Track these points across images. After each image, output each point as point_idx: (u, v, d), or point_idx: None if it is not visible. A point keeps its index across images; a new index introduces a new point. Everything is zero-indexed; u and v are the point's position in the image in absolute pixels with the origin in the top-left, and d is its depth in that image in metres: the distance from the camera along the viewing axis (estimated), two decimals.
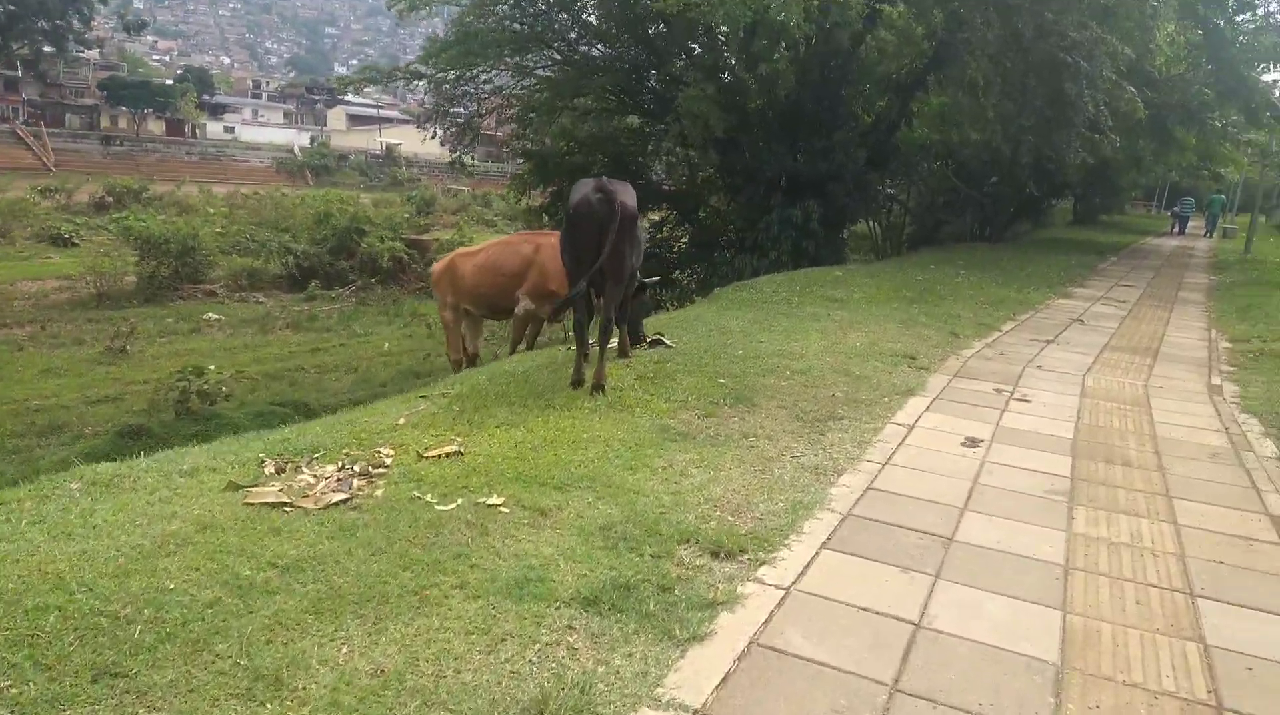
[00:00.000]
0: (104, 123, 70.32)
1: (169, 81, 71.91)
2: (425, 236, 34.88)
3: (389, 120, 78.29)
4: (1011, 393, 7.10)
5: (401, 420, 5.18)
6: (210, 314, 26.72)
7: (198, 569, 3.27)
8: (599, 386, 5.92)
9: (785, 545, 3.88)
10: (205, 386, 14.51)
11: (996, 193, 24.29)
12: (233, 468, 4.35)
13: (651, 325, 8.22)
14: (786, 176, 16.49)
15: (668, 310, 12.82)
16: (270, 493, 3.90)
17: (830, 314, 9.69)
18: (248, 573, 3.25)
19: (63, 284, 29.47)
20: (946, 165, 23.03)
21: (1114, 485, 5.05)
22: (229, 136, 76.50)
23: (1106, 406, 6.88)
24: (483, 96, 19.09)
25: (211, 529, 3.60)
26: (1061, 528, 4.36)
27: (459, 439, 4.83)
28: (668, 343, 7.55)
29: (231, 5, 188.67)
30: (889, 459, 5.19)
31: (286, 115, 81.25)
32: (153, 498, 3.95)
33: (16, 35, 59.89)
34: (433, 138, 19.67)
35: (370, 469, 4.27)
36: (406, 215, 47.15)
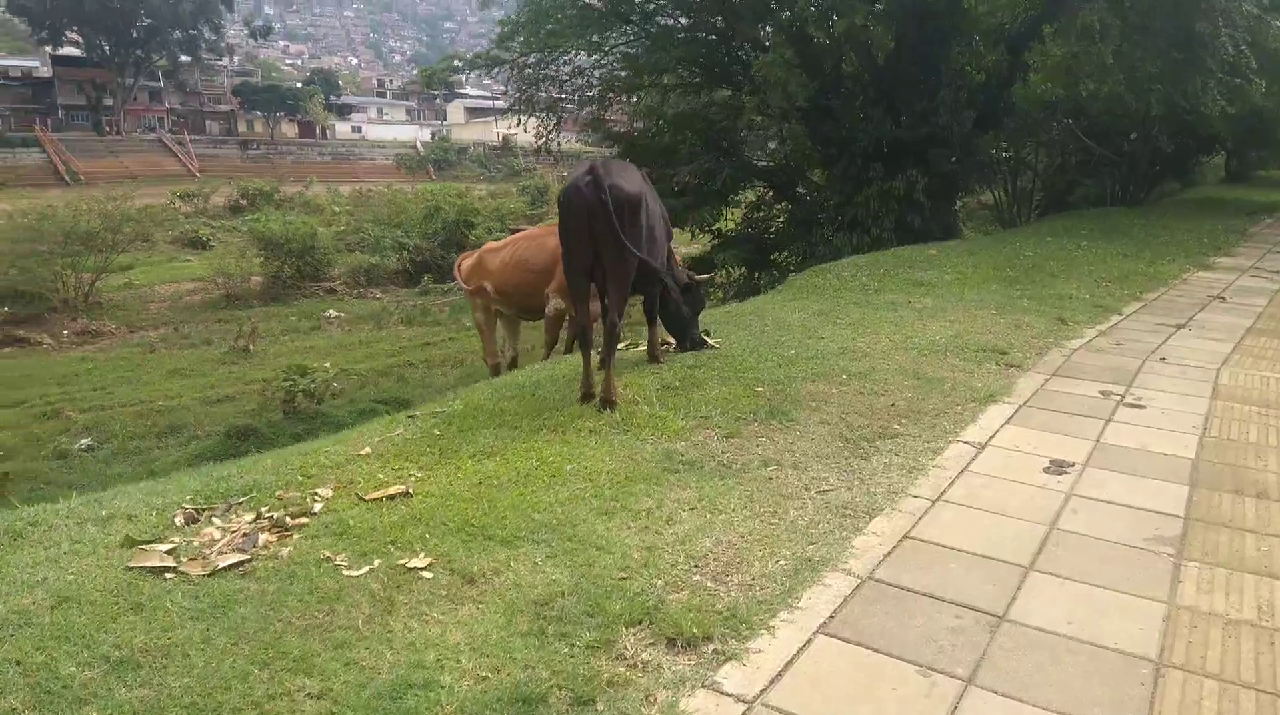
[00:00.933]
0: (240, 128, 74.24)
1: (298, 84, 75.22)
2: (527, 226, 34.86)
3: (504, 111, 79.48)
4: (1122, 397, 5.84)
5: (366, 450, 4.54)
6: (330, 311, 27.46)
7: (17, 663, 2.70)
8: (608, 402, 5.13)
9: (769, 628, 3.00)
10: (311, 386, 14.58)
11: (1134, 151, 21.82)
12: (153, 514, 3.82)
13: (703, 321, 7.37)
14: (886, 144, 15.10)
15: (723, 301, 11.83)
16: (157, 554, 3.32)
17: (912, 301, 8.51)
18: (70, 671, 2.65)
19: (196, 286, 30.97)
20: (1076, 123, 20.81)
21: (1242, 528, 3.88)
22: (356, 136, 79.37)
23: (1243, 413, 5.55)
24: (564, 78, 18.46)
25: (68, 604, 3.04)
26: (1162, 597, 3.28)
27: (413, 476, 4.14)
28: (711, 343, 6.67)
29: (355, 6, 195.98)
30: (942, 493, 4.17)
31: (409, 112, 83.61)
32: (43, 556, 3.45)
33: (155, 47, 63.75)
34: (517, 125, 19.22)
35: (290, 519, 3.64)
36: (520, 205, 47.58)
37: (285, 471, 4.23)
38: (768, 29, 16.05)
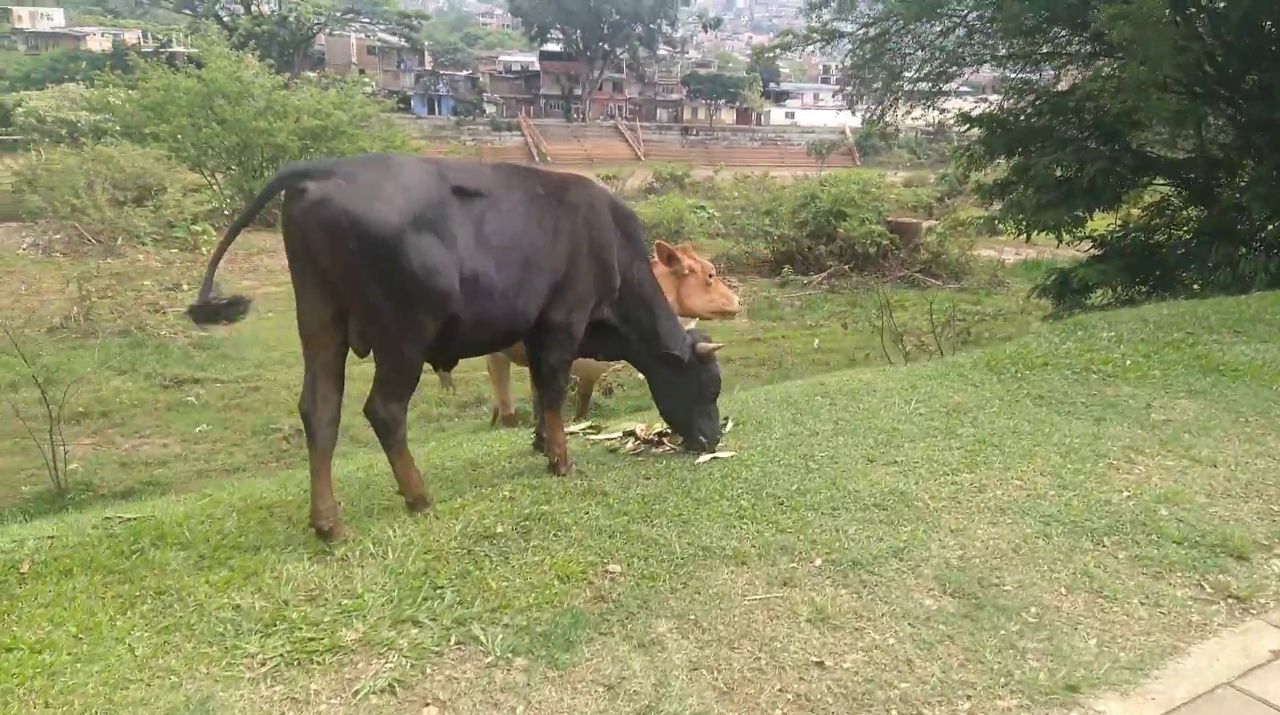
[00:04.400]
0: (685, 115, 78.77)
1: (743, 73, 77.46)
2: (913, 219, 31.34)
3: (945, 93, 73.73)
4: None
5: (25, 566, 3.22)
6: None
7: None
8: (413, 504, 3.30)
9: None
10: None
11: None
12: None
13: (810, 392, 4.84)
14: None
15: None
16: None
17: (1203, 415, 4.87)
18: None
19: None
20: None
21: None
22: (789, 122, 79.68)
23: None
24: (907, 51, 15.43)
25: None
26: None
27: None
28: (717, 450, 4.26)
29: None
30: None
31: (846, 97, 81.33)
32: None
33: (620, 40, 69.93)
34: (849, 107, 16.64)
35: None
36: (938, 196, 43.38)
37: None
38: None
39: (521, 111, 71.89)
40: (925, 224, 30.00)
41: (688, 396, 4.24)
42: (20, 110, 35.93)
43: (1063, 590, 3.15)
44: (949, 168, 50.17)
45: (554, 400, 4.01)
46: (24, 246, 21.41)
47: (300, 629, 2.72)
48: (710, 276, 5.57)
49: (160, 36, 60.93)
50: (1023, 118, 14.80)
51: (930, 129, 71.01)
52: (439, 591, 2.97)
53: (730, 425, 4.67)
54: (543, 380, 3.99)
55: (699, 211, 35.33)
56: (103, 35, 65.71)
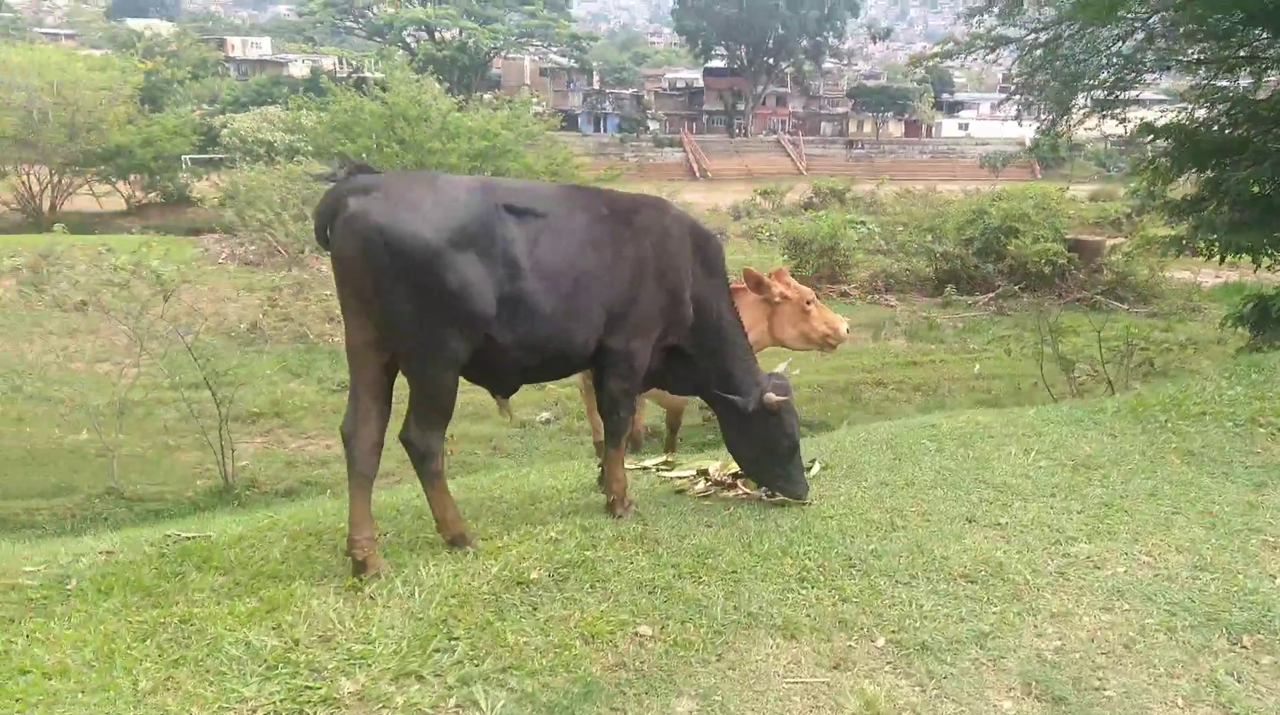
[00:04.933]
0: (851, 128, 76.76)
1: (912, 84, 74.72)
2: (1095, 237, 29.02)
3: (1139, 101, 68.30)
4: None
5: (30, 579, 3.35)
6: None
7: None
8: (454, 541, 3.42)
9: None
10: None
11: None
12: None
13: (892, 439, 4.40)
14: None
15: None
16: None
17: None
18: None
19: (732, 278, 32.84)
20: None
21: None
22: (962, 134, 76.03)
23: None
24: (1081, 58, 14.21)
25: None
26: None
27: None
28: (785, 493, 3.89)
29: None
30: None
31: (1028, 107, 76.79)
32: None
33: (784, 55, 69.18)
34: (1014, 118, 15.54)
35: None
36: (1126, 211, 40.11)
37: None
38: None
39: (684, 128, 72.40)
40: (1109, 242, 27.80)
41: (758, 445, 3.90)
42: (225, 131, 39.61)
43: (1180, 702, 2.60)
44: (1135, 182, 46.30)
45: (615, 433, 3.78)
46: (222, 257, 23.50)
47: (301, 674, 2.62)
48: (808, 303, 5.17)
49: (353, 62, 65.62)
50: (1215, 128, 13.32)
51: (1120, 140, 65.93)
52: (453, 643, 2.79)
53: (817, 468, 4.28)
54: (604, 412, 3.77)
55: (858, 227, 34.20)
56: (303, 62, 71.54)
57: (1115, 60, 13.68)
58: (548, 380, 4.21)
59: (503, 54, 72.31)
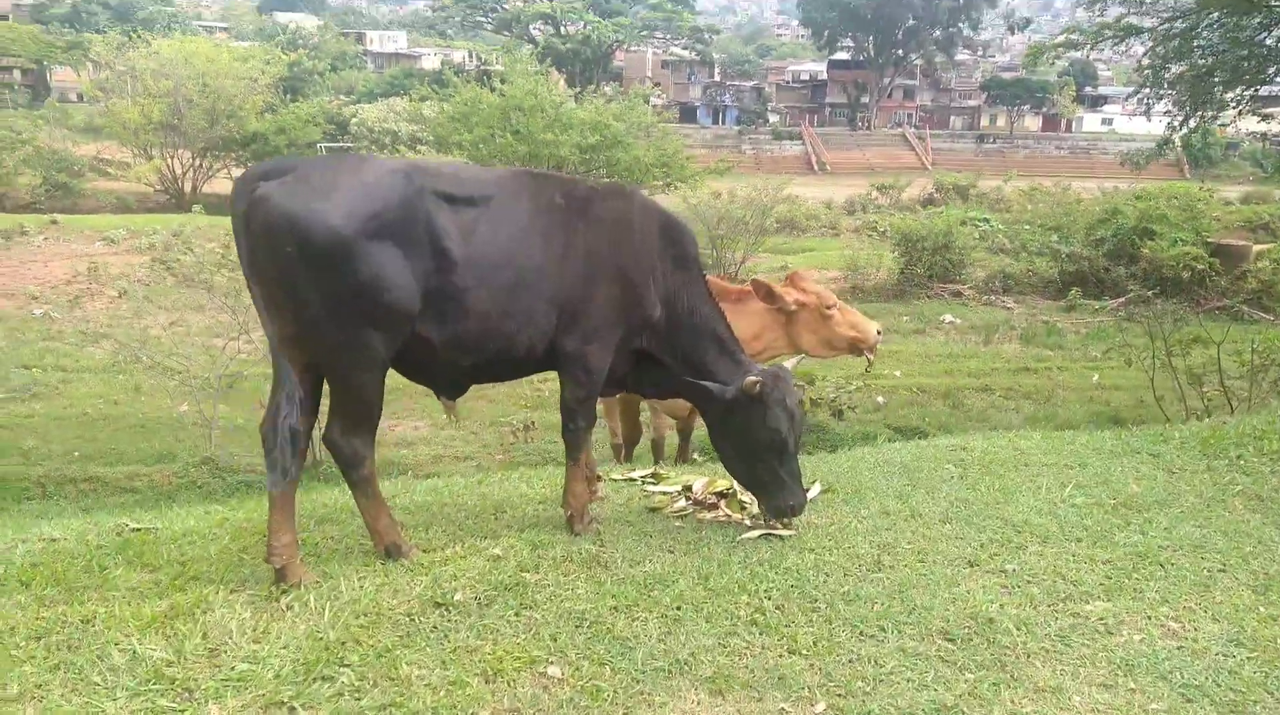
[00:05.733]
0: (983, 122, 73.20)
1: (1052, 77, 70.53)
2: (1241, 241, 26.68)
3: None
4: None
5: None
6: (947, 315, 25.39)
7: None
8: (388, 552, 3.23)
9: None
10: (825, 397, 13.43)
11: None
12: None
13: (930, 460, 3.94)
14: None
15: None
16: None
17: None
18: None
19: (837, 274, 31.79)
20: None
21: None
22: (1104, 129, 71.39)
23: None
24: (1222, 48, 12.92)
25: None
26: None
27: None
28: (779, 526, 3.49)
29: None
30: None
31: (1159, 100, 71.09)
32: None
33: (914, 46, 66.65)
34: (1145, 112, 14.30)
35: None
36: (1273, 213, 36.81)
37: None
38: None
39: (805, 120, 70.86)
40: (1257, 247, 25.53)
41: (739, 442, 3.51)
42: (354, 121, 41.31)
43: None
44: None
45: (571, 443, 3.48)
46: None
47: (170, 693, 2.46)
48: (829, 308, 4.71)
49: (481, 55, 67.31)
50: None
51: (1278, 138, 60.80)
52: (342, 670, 2.57)
53: (817, 490, 3.86)
54: (562, 418, 3.47)
55: (980, 223, 32.60)
56: (434, 55, 73.84)
57: (1259, 52, 12.34)
58: (497, 381, 3.94)
59: (625, 46, 72.59)
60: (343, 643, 2.71)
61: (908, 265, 27.77)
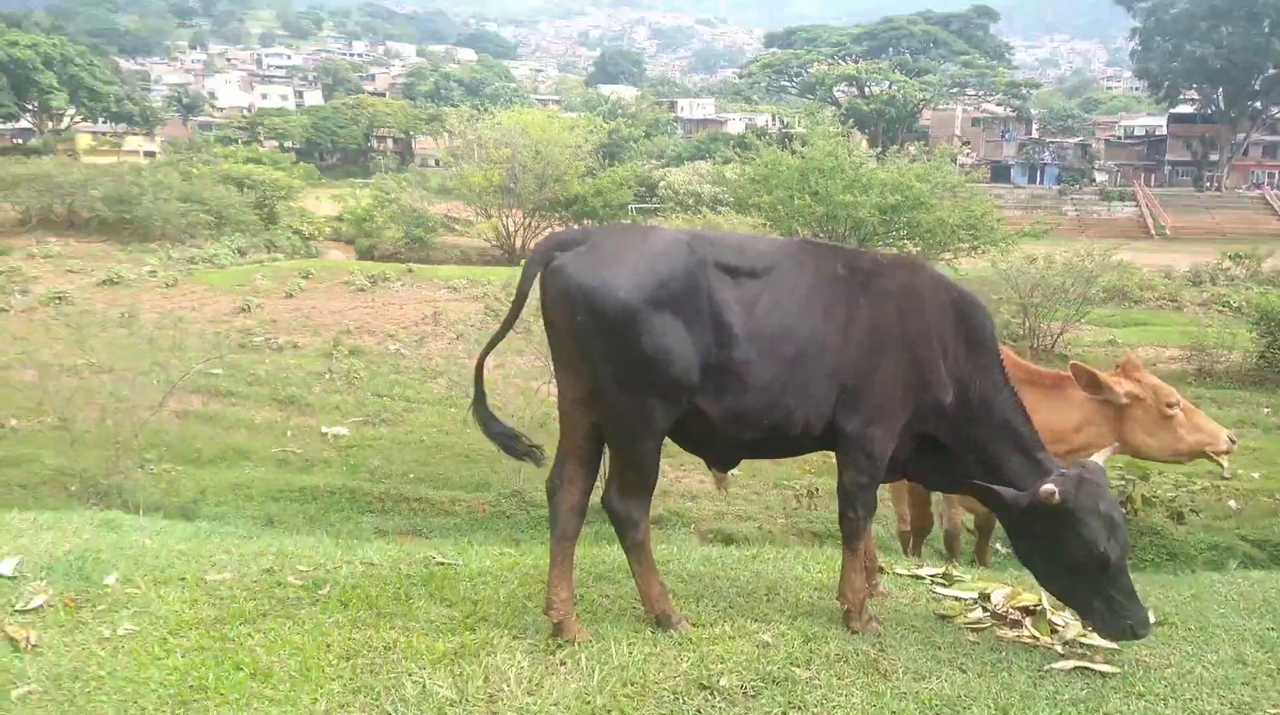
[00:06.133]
0: None
1: None
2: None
3: None
4: None
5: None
6: None
7: None
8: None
9: None
10: (1163, 496, 11.84)
11: None
12: None
13: None
14: None
15: None
16: None
17: None
18: None
19: (1180, 353, 27.93)
20: None
21: None
22: None
23: None
24: None
25: None
26: None
27: None
28: (1101, 660, 2.99)
29: None
30: None
31: None
32: None
33: (1275, 98, 58.00)
34: None
35: None
36: None
37: None
38: None
39: (1138, 179, 64.09)
40: None
41: (1054, 560, 3.07)
42: (662, 183, 43.87)
43: None
44: None
45: (848, 532, 3.25)
46: None
47: None
48: (1169, 406, 4.03)
49: (784, 119, 68.73)
50: None
51: None
52: None
53: (1151, 617, 3.27)
54: (839, 504, 3.26)
55: None
56: (739, 120, 76.52)
57: None
58: (771, 457, 3.77)
59: (932, 105, 70.48)
60: (609, 710, 2.70)
61: (1269, 347, 23.91)
